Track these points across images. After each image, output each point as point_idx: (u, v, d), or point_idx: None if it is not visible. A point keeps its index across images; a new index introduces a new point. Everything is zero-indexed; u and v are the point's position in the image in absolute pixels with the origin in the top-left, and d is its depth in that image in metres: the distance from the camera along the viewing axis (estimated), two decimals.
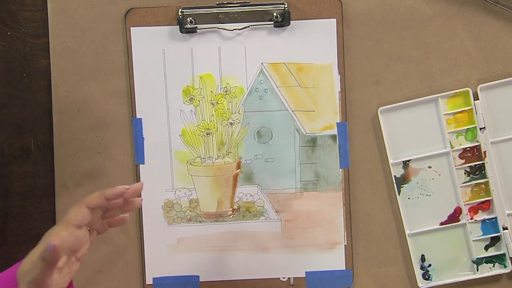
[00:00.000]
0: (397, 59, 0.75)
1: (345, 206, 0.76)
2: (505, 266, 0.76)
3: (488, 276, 0.76)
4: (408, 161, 0.75)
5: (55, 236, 0.53)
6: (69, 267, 0.58)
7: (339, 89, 0.75)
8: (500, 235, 0.75)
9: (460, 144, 0.75)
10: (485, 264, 0.76)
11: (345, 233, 0.76)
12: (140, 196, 0.62)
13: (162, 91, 0.75)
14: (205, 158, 0.76)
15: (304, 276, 0.77)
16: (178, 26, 0.73)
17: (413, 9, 0.74)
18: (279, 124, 0.75)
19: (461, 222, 0.76)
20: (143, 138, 0.75)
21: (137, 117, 0.75)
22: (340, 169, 0.76)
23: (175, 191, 0.76)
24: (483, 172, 0.75)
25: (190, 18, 0.73)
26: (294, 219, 0.76)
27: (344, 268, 0.76)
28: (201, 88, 0.75)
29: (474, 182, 0.75)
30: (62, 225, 0.57)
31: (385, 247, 0.77)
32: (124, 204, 0.61)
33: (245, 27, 0.74)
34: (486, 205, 0.76)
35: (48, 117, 0.75)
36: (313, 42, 0.74)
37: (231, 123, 0.75)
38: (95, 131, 0.75)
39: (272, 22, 0.73)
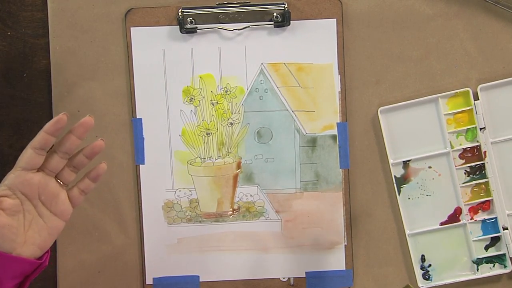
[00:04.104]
0: (397, 59, 0.75)
1: (345, 206, 0.76)
2: (505, 266, 0.76)
3: (488, 276, 0.76)
4: (408, 161, 0.75)
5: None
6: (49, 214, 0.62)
7: (339, 89, 0.75)
8: (500, 235, 0.75)
9: (460, 144, 0.75)
10: (485, 264, 0.76)
11: (345, 233, 0.76)
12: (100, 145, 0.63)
13: (162, 91, 0.75)
14: (205, 158, 0.76)
15: (304, 276, 0.76)
16: (178, 26, 0.73)
17: (413, 9, 0.74)
18: (279, 124, 0.75)
19: (461, 222, 0.76)
20: (143, 138, 0.75)
21: (137, 117, 0.75)
22: (340, 169, 0.76)
23: (175, 191, 0.76)
24: (483, 172, 0.75)
25: (190, 18, 0.73)
26: (294, 219, 0.76)
27: (344, 268, 0.76)
28: (201, 88, 0.75)
29: (474, 182, 0.75)
30: (12, 171, 0.60)
31: (385, 247, 0.77)
32: (88, 152, 0.62)
33: (245, 27, 0.74)
34: (486, 205, 0.76)
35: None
36: (313, 42, 0.74)
37: (231, 123, 0.75)
38: (95, 131, 0.75)
39: (272, 22, 0.73)
